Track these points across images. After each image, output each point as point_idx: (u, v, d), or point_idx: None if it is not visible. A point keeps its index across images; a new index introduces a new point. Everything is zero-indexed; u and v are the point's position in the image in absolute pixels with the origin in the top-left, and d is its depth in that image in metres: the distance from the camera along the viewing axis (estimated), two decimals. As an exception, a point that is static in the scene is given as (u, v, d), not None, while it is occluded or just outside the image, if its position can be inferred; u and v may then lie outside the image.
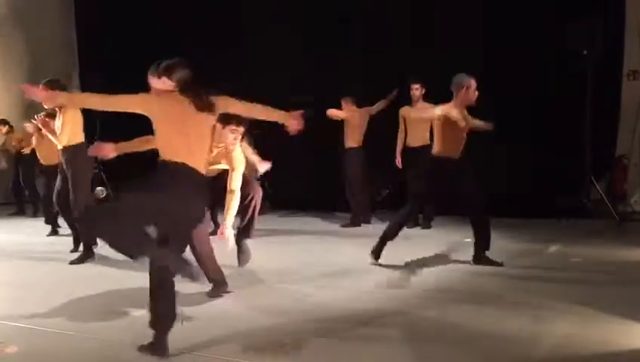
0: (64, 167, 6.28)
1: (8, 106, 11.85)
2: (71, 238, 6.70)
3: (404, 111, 8.05)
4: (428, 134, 7.91)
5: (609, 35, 8.01)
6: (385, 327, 3.93)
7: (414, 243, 6.88)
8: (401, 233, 7.67)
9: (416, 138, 7.95)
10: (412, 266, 5.74)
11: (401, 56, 8.85)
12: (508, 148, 7.87)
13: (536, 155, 8.17)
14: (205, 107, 3.49)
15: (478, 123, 5.62)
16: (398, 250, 6.46)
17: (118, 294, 4.74)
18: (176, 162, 3.40)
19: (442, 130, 5.62)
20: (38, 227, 7.93)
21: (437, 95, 7.85)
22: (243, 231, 5.21)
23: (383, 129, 8.36)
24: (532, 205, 8.22)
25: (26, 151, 9.47)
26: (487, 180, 5.94)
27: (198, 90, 3.51)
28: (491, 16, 8.40)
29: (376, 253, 5.77)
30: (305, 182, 9.45)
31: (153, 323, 3.44)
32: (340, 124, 8.46)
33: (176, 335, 3.78)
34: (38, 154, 8.05)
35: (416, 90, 7.92)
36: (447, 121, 5.52)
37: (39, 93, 3.51)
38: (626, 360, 3.38)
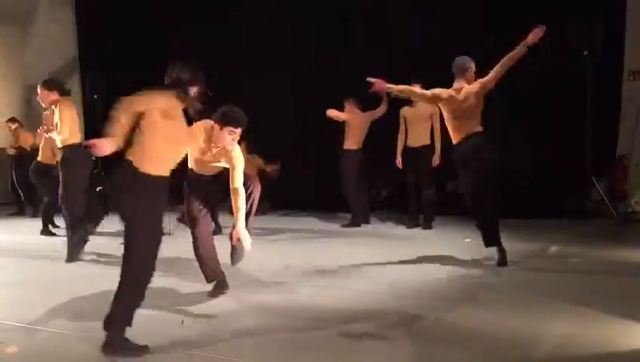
0: (59, 165, 6.35)
1: (8, 106, 11.86)
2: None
3: (405, 111, 8.06)
4: (428, 134, 7.93)
5: (609, 36, 8.01)
6: (385, 327, 3.92)
7: (415, 243, 6.88)
8: (401, 233, 7.72)
9: (417, 138, 7.95)
10: (413, 267, 5.74)
11: (402, 57, 8.85)
12: (508, 149, 7.85)
13: (537, 156, 8.17)
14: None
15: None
16: (399, 251, 6.47)
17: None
18: (156, 175, 3.45)
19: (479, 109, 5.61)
20: (37, 227, 7.92)
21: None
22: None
23: (383, 129, 8.36)
24: (532, 205, 8.22)
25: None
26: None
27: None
28: (491, 17, 8.41)
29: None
30: (305, 182, 9.45)
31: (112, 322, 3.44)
32: (341, 125, 8.45)
33: (176, 335, 3.79)
34: (41, 154, 8.04)
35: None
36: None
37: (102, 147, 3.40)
38: (626, 360, 3.38)
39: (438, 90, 5.73)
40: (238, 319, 4.18)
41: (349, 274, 5.48)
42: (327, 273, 5.54)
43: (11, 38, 12.09)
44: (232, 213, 4.65)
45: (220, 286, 4.75)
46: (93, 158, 6.56)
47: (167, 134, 3.47)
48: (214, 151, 4.56)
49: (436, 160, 7.86)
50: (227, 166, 4.64)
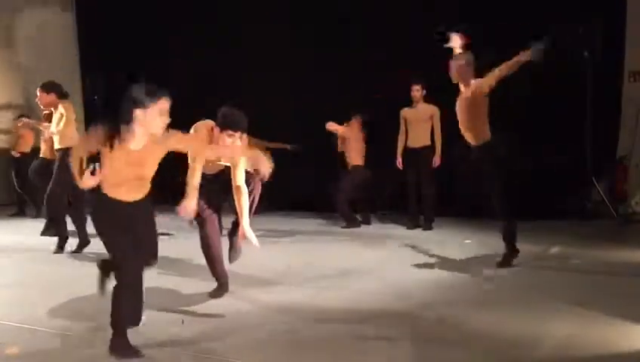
0: (56, 166, 6.42)
1: (8, 107, 11.85)
2: (75, 239, 6.73)
3: (405, 112, 8.06)
4: (429, 135, 7.93)
5: (610, 36, 8.00)
6: (386, 328, 3.92)
7: (415, 244, 6.88)
8: (401, 234, 7.72)
9: (417, 139, 7.95)
10: (413, 267, 5.73)
11: (402, 57, 8.85)
12: (508, 150, 7.84)
13: (537, 157, 8.16)
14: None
15: None
16: (399, 251, 6.47)
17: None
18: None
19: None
20: (37, 228, 7.91)
21: (438, 96, 7.88)
22: (236, 227, 5.07)
23: (383, 130, 8.36)
24: (533, 206, 8.21)
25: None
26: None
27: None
28: (491, 17, 8.40)
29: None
30: (305, 182, 9.44)
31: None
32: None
33: (176, 335, 3.79)
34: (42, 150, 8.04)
35: (417, 91, 7.93)
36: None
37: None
38: (627, 361, 3.38)
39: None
40: (239, 319, 4.18)
41: (349, 275, 5.48)
42: (327, 273, 5.53)
43: (11, 38, 12.07)
44: (232, 212, 4.66)
45: (221, 286, 4.75)
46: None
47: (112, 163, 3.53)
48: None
49: (436, 160, 7.87)
50: (227, 164, 4.64)
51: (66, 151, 6.30)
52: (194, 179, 4.43)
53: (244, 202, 4.55)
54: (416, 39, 8.91)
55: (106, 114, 3.65)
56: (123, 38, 10.90)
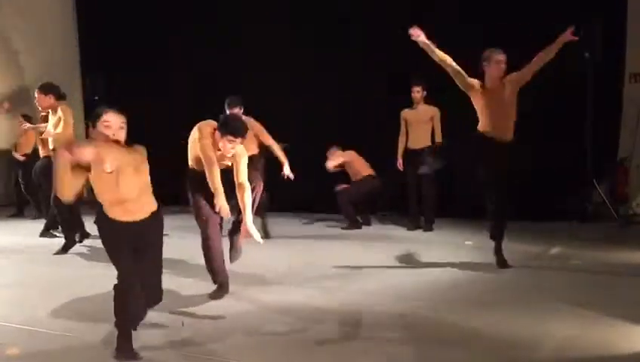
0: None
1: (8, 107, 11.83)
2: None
3: (405, 113, 8.05)
4: (429, 136, 7.92)
5: (610, 38, 8.00)
6: (386, 328, 3.92)
7: (416, 245, 6.87)
8: (402, 235, 7.72)
9: (417, 140, 7.94)
10: (413, 268, 5.73)
11: (402, 57, 8.84)
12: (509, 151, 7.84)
13: (538, 158, 8.15)
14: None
15: None
16: (400, 252, 6.46)
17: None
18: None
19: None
20: (37, 229, 7.91)
21: (438, 96, 7.88)
22: (237, 226, 5.06)
23: (384, 131, 8.36)
24: (533, 207, 8.20)
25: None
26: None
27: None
28: (492, 18, 8.39)
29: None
30: (305, 183, 9.44)
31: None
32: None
33: (177, 336, 3.78)
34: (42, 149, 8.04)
35: (417, 92, 7.92)
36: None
37: None
38: (628, 362, 3.38)
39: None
40: (239, 320, 4.18)
41: (349, 276, 5.48)
42: (328, 274, 5.53)
43: (11, 38, 12.06)
44: (233, 212, 4.66)
45: (222, 287, 4.75)
46: None
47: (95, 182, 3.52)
48: (218, 153, 4.57)
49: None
50: (228, 163, 4.65)
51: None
52: (215, 179, 4.48)
53: (247, 198, 4.57)
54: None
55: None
56: (123, 38, 10.89)
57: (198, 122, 4.74)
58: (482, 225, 5.96)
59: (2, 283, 5.45)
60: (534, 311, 4.23)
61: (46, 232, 7.76)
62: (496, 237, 5.61)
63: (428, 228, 7.91)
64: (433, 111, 7.91)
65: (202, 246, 4.72)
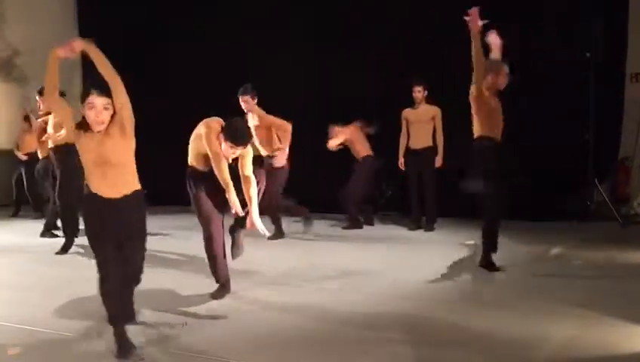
0: (54, 165, 6.43)
1: (8, 106, 11.85)
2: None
3: (407, 113, 8.05)
4: (430, 136, 7.92)
5: (612, 38, 7.99)
6: (387, 329, 3.92)
7: (417, 245, 6.88)
8: (403, 235, 7.72)
9: (419, 140, 7.94)
10: (414, 268, 5.73)
11: (402, 56, 8.85)
12: (509, 151, 7.84)
13: (539, 158, 8.15)
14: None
15: None
16: (401, 252, 6.46)
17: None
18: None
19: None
20: (37, 229, 7.92)
21: (438, 97, 7.88)
22: (239, 222, 4.97)
23: (384, 131, 8.36)
24: (534, 207, 8.20)
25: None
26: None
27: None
28: (493, 18, 8.37)
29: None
30: (306, 182, 9.43)
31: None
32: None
33: (178, 336, 3.78)
34: (42, 151, 8.04)
35: (419, 92, 7.91)
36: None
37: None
38: (629, 363, 3.38)
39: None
40: (241, 320, 4.17)
41: (351, 275, 5.47)
42: (329, 274, 5.52)
43: (11, 39, 12.07)
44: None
45: (223, 287, 4.75)
46: None
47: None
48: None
49: (439, 161, 7.86)
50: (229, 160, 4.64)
51: (63, 150, 6.33)
52: (224, 174, 4.47)
53: (252, 192, 4.57)
54: (417, 39, 8.92)
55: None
56: (123, 38, 10.90)
57: (197, 122, 4.74)
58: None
59: (2, 283, 5.45)
60: (534, 311, 4.23)
61: (46, 232, 7.77)
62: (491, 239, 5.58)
63: (429, 228, 7.90)
64: (434, 111, 7.91)
65: (205, 245, 4.72)
